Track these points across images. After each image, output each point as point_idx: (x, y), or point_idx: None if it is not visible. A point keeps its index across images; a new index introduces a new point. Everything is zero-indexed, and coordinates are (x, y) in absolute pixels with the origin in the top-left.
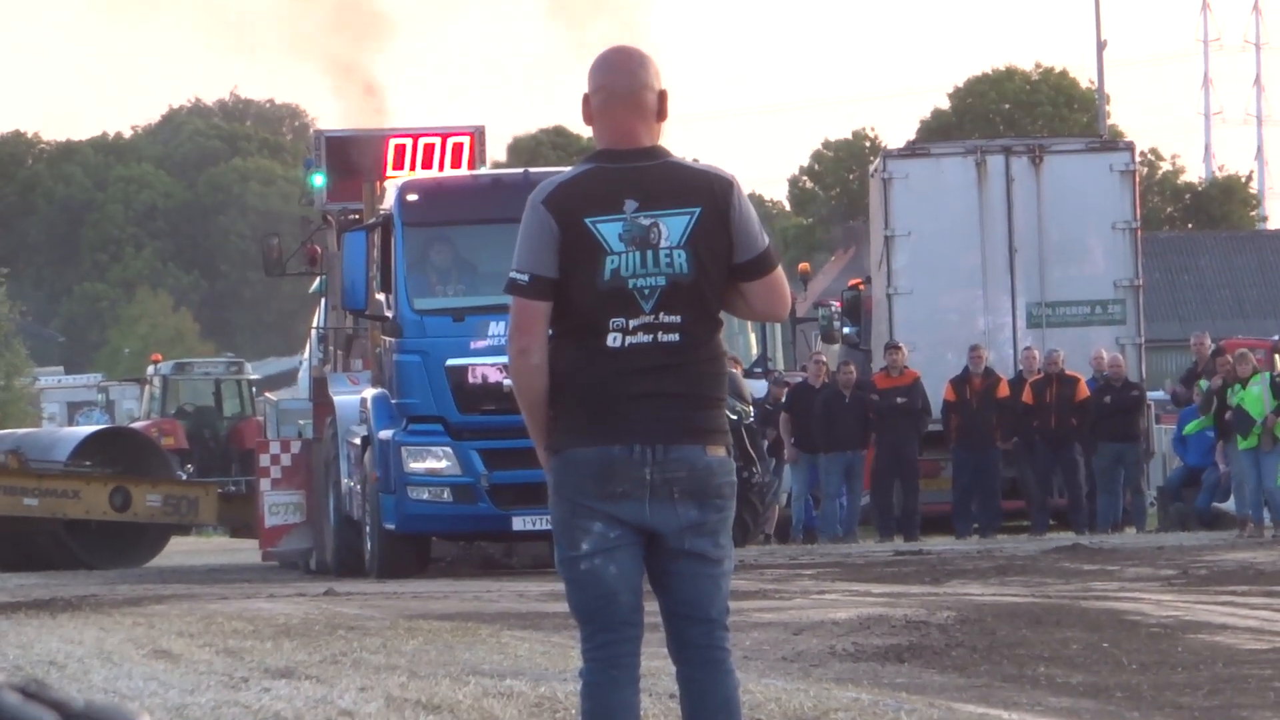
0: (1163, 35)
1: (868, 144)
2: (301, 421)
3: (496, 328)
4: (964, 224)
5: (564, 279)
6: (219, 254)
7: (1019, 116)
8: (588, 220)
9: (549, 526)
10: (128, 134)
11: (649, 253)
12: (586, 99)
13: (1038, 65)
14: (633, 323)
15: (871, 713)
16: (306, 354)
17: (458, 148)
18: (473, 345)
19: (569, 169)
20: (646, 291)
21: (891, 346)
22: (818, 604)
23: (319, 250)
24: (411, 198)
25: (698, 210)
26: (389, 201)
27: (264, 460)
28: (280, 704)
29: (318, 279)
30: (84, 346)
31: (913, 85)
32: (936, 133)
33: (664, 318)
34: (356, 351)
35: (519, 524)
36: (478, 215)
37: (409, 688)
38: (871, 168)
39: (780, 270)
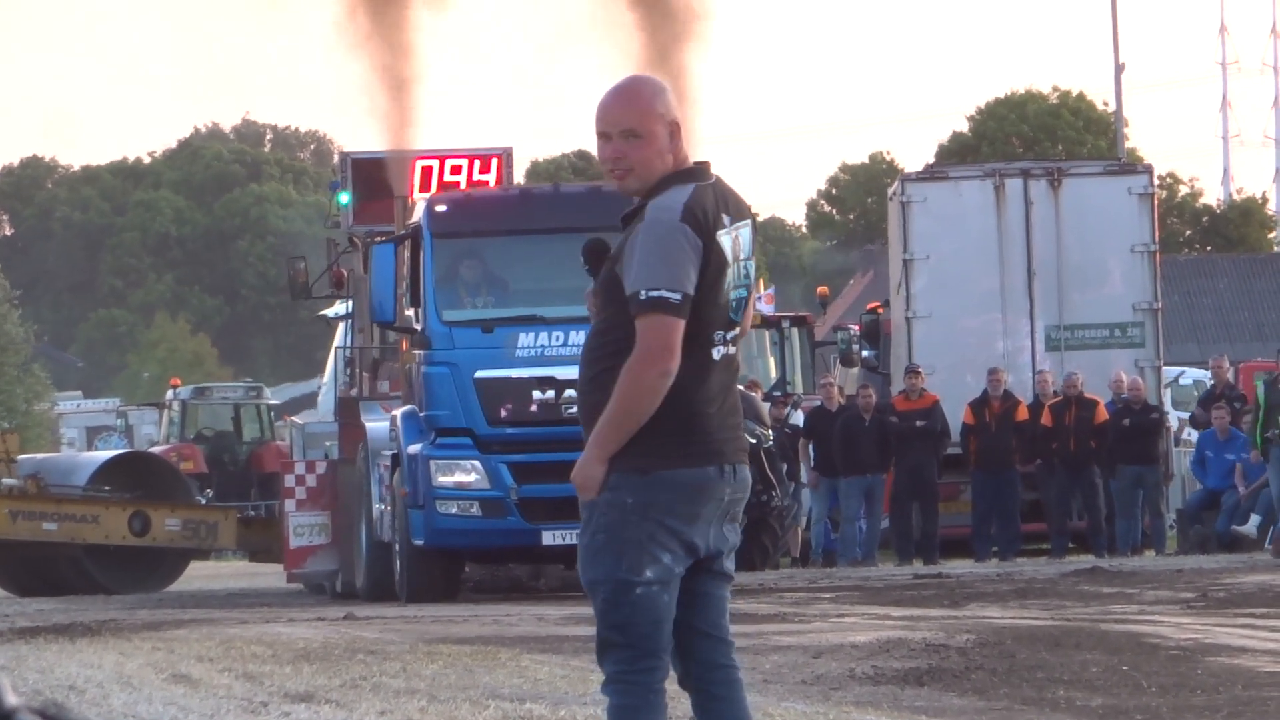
0: (1181, 58)
1: (886, 167)
2: (328, 443)
3: (526, 339)
4: (982, 247)
5: (698, 297)
6: (237, 278)
7: (1037, 140)
8: (718, 234)
9: (579, 541)
10: (146, 159)
11: (738, 265)
12: (677, 124)
13: (1055, 89)
14: (727, 335)
15: None
16: (326, 378)
17: (485, 169)
18: (502, 356)
19: (676, 190)
20: (734, 304)
21: (910, 370)
22: (837, 627)
23: (345, 273)
24: (440, 209)
25: (750, 221)
26: (418, 214)
27: (289, 481)
28: None
29: (335, 304)
30: (103, 371)
31: (931, 109)
32: (955, 156)
33: (735, 330)
34: (384, 374)
35: (549, 538)
36: (506, 227)
37: (429, 712)
38: (890, 191)
39: None
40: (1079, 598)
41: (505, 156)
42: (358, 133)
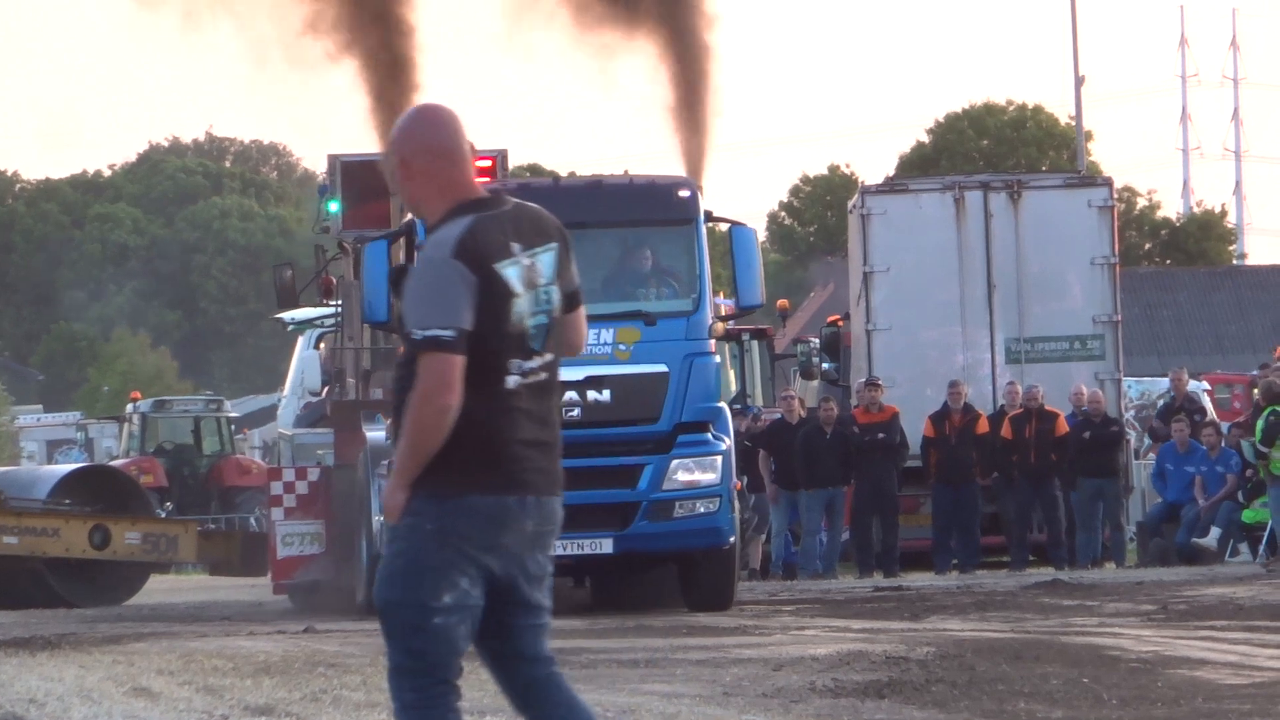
0: (1141, 71)
1: (846, 180)
2: (320, 451)
3: None
4: (943, 260)
5: (478, 330)
6: (198, 291)
7: (997, 152)
8: (495, 266)
9: (580, 551)
10: (107, 172)
11: (534, 292)
12: (407, 161)
13: (1009, 102)
14: (526, 364)
15: None
16: (286, 390)
17: (479, 173)
18: None
19: (452, 223)
20: (534, 331)
21: (870, 383)
22: (797, 640)
23: (334, 280)
24: None
25: (556, 245)
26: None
27: (276, 489)
28: None
29: (292, 310)
30: (63, 385)
31: (891, 121)
32: (915, 168)
33: (544, 357)
34: (375, 382)
35: (558, 548)
36: None
37: None
38: (850, 204)
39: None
40: (1039, 610)
41: (500, 159)
42: (318, 148)
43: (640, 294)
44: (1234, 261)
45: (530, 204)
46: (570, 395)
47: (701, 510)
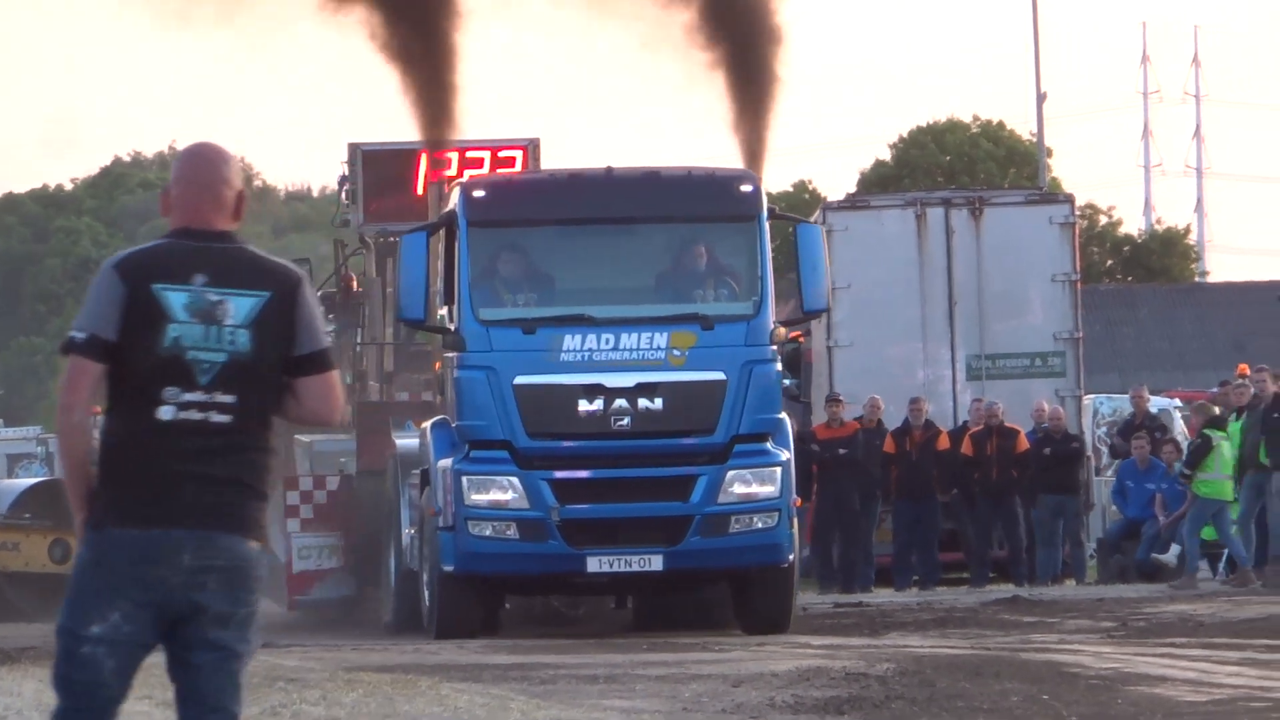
0: (1103, 88)
1: (807, 196)
2: (343, 459)
3: (572, 341)
4: (904, 276)
5: (125, 344)
6: None
7: (959, 169)
8: (155, 286)
9: (628, 568)
10: (68, 186)
11: (213, 328)
12: (167, 191)
13: (975, 118)
14: (186, 396)
15: None
16: None
17: (509, 163)
18: (545, 361)
19: (147, 244)
20: (205, 365)
21: (831, 398)
22: (757, 656)
23: (354, 278)
24: (478, 195)
25: (267, 295)
26: (453, 201)
27: (292, 499)
28: None
29: None
30: (24, 399)
31: (853, 137)
32: (876, 185)
33: (219, 396)
34: (399, 385)
35: (594, 565)
36: (552, 215)
37: None
38: (811, 220)
39: (336, 375)
40: (999, 627)
41: (531, 149)
42: (281, 161)
43: (697, 295)
44: (1196, 279)
45: (263, 255)
46: (620, 403)
47: (759, 525)
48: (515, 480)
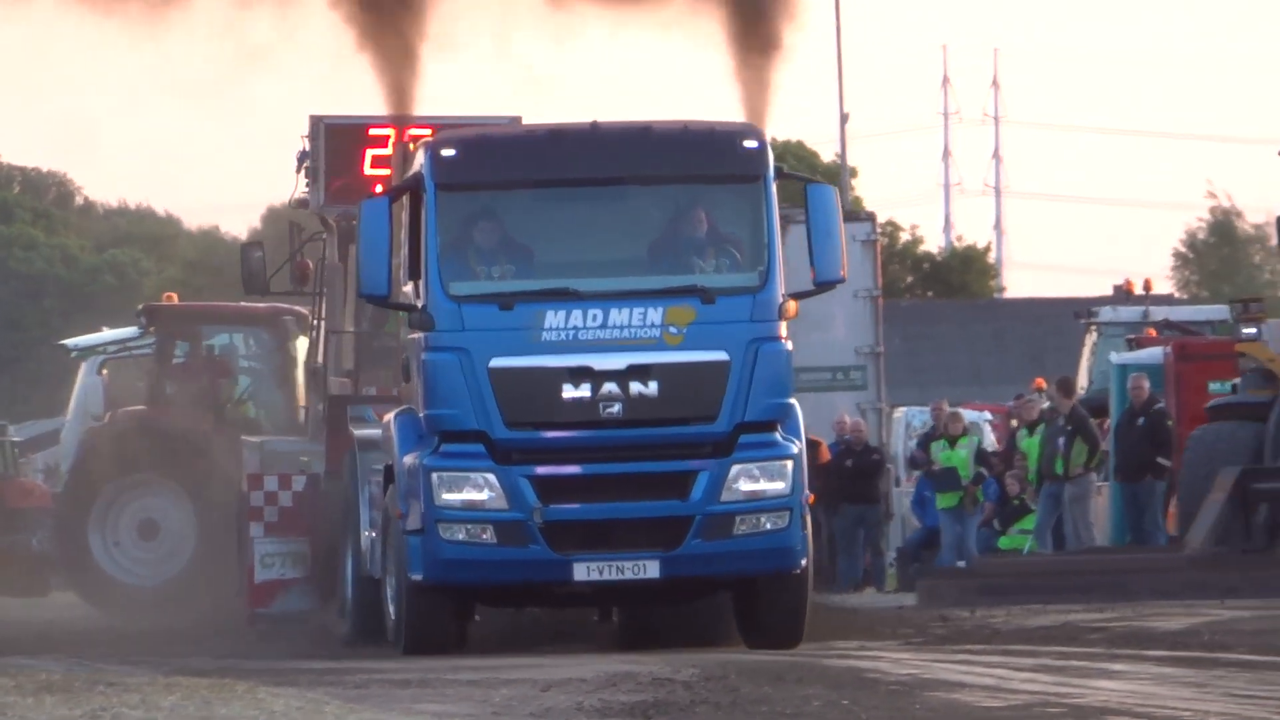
0: (904, 109)
1: None
2: (304, 458)
3: (555, 318)
4: None
5: None
6: None
7: None
8: None
9: (620, 576)
10: None
11: None
12: None
13: (774, 140)
14: None
15: None
16: (70, 414)
17: None
18: (525, 341)
19: None
20: None
21: None
22: (566, 662)
23: (310, 264)
24: (447, 155)
25: None
26: (419, 162)
27: (256, 499)
28: None
29: (77, 336)
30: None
31: None
32: None
33: None
34: (366, 381)
35: (581, 572)
36: (530, 177)
37: None
38: None
39: None
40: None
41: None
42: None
43: (696, 265)
44: (994, 295)
45: None
46: (610, 388)
47: (768, 526)
48: (492, 477)
